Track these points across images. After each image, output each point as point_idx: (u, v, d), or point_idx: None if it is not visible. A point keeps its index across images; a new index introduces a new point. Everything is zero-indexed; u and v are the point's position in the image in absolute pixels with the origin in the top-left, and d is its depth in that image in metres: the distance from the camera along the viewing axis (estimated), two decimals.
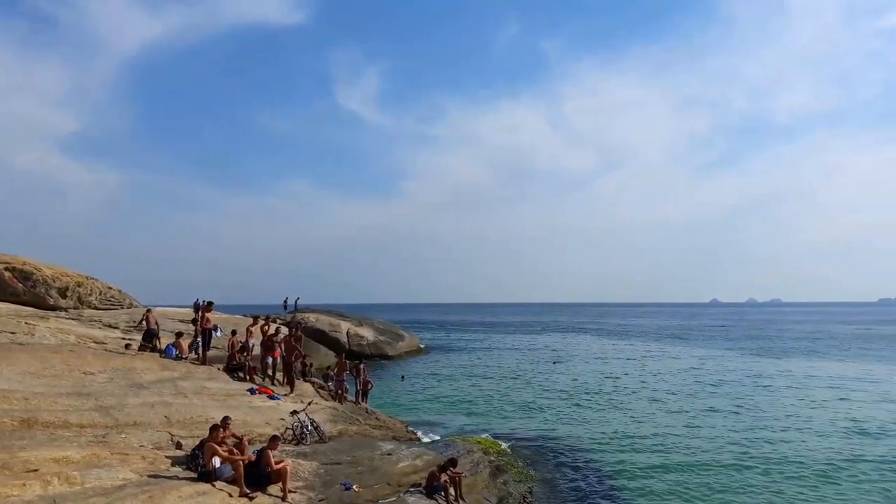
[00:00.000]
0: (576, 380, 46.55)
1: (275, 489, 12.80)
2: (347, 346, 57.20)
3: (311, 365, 28.14)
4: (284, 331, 26.54)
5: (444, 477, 15.45)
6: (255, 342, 23.57)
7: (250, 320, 27.01)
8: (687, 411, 32.74)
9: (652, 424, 29.71)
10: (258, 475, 12.74)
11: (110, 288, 40.13)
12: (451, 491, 15.48)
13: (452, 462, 16.24)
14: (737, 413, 32.24)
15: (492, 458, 21.45)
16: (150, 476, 12.04)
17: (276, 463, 12.94)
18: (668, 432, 27.83)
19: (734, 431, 27.81)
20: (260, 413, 18.78)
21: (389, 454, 17.49)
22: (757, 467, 22.15)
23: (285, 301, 59.77)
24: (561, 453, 24.41)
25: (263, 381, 22.44)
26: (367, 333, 63.17)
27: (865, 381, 43.89)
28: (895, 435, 26.68)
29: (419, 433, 25.67)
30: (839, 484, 20.35)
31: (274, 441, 13.62)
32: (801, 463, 22.59)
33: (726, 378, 46.17)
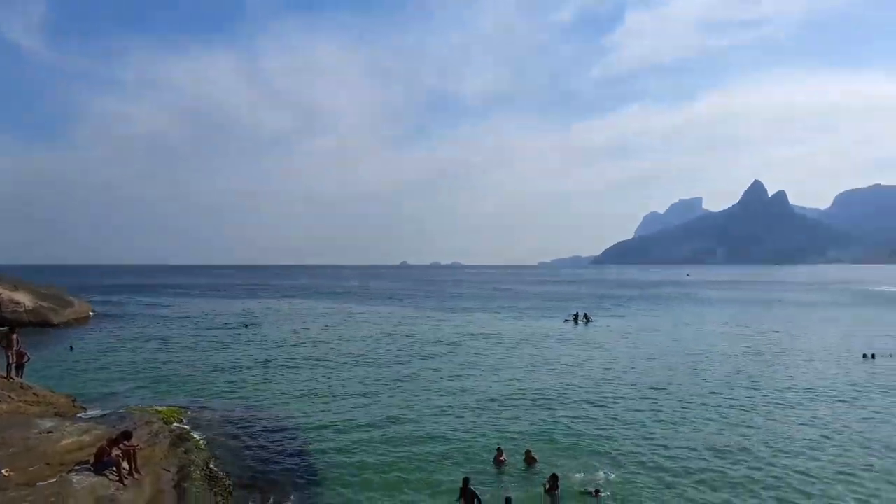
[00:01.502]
0: (266, 344, 46.83)
1: None
2: None
3: None
4: None
5: (115, 451, 14.64)
6: None
7: None
8: (377, 374, 35.16)
9: (338, 386, 31.63)
10: None
11: None
12: (125, 465, 14.74)
13: (126, 435, 15.48)
14: (416, 367, 35.96)
15: (173, 427, 20.79)
16: None
17: None
18: (354, 394, 29.82)
19: (414, 394, 30.91)
20: None
21: (50, 432, 16.00)
22: (411, 433, 23.92)
23: None
24: (248, 418, 24.65)
25: None
26: (25, 299, 56.50)
27: (526, 332, 52.51)
28: (538, 396, 32.24)
29: (89, 407, 23.54)
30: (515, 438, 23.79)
31: None
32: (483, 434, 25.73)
33: (415, 336, 51.16)
